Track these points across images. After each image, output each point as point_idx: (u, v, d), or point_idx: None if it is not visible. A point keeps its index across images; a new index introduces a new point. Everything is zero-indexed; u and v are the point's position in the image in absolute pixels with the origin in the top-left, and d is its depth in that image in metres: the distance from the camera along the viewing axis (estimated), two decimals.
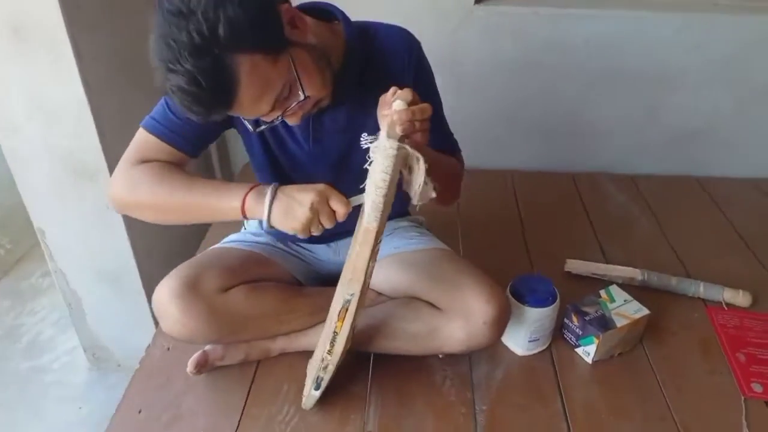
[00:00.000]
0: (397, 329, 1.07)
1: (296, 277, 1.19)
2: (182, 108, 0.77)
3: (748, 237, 1.58)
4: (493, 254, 1.43)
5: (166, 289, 0.99)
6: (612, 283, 1.33)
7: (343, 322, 0.92)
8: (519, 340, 1.16)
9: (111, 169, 1.32)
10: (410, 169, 0.81)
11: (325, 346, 0.96)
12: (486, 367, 1.16)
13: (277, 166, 1.07)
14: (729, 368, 1.17)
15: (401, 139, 0.77)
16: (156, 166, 0.93)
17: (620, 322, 1.15)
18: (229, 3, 0.71)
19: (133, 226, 1.43)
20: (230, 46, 0.72)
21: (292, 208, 0.84)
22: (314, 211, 0.83)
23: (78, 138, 1.28)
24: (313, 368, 1.03)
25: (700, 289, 1.34)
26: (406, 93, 0.77)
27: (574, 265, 1.42)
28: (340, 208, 0.84)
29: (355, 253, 0.87)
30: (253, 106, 0.80)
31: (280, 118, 0.84)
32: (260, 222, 0.94)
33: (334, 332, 0.94)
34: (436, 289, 1.05)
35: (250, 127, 0.92)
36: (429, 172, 0.81)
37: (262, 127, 0.92)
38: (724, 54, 1.64)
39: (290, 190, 0.86)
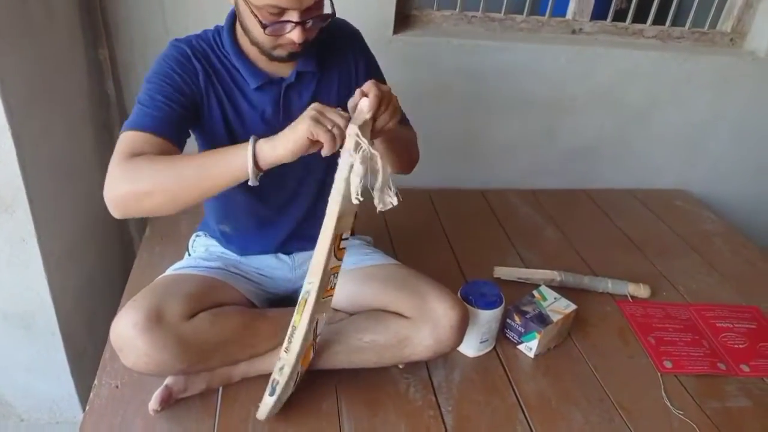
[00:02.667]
0: (366, 342, 1.10)
1: (251, 301, 1.18)
2: None
3: (635, 239, 1.82)
4: (427, 267, 1.49)
5: (129, 322, 0.94)
6: (536, 285, 1.47)
7: (301, 316, 0.93)
8: (471, 342, 1.24)
9: (31, 200, 1.21)
10: (374, 171, 0.89)
11: (284, 345, 0.96)
12: (443, 371, 1.22)
13: None
14: (644, 351, 1.34)
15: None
16: (150, 155, 0.90)
17: (555, 317, 1.28)
18: None
19: (51, 258, 1.31)
20: None
21: (293, 128, 0.86)
22: (314, 118, 0.84)
23: None
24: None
25: (609, 285, 1.53)
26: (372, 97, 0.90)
27: (502, 272, 1.55)
28: (337, 118, 0.86)
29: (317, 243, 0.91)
30: None
31: (293, 26, 0.91)
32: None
33: (293, 326, 0.95)
34: (403, 299, 1.10)
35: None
36: (388, 180, 0.91)
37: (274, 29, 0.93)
38: (605, 82, 1.89)
39: None
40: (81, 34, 1.50)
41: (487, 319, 1.22)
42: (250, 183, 0.87)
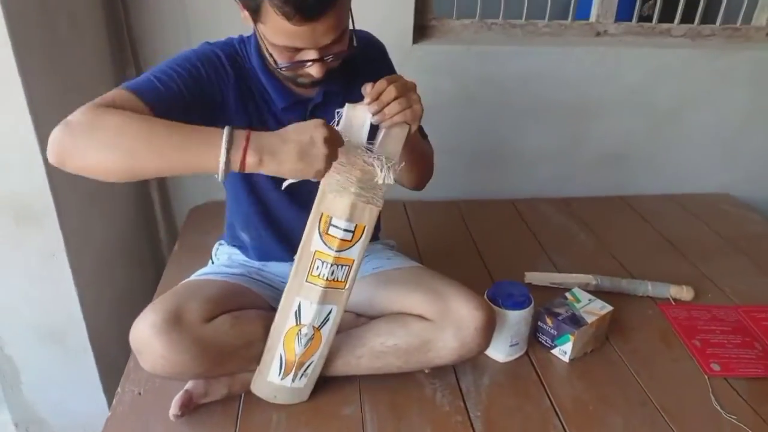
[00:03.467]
0: (389, 346, 1.06)
1: (273, 306, 1.16)
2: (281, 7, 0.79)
3: (676, 242, 1.73)
4: (456, 275, 1.46)
5: (148, 324, 0.93)
6: (569, 289, 1.41)
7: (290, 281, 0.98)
8: (500, 346, 1.19)
9: (60, 213, 1.24)
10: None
11: None
12: (472, 376, 1.17)
13: None
14: (689, 354, 1.26)
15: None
16: (128, 111, 0.80)
17: (590, 319, 1.21)
18: None
19: (81, 274, 1.33)
20: None
21: (307, 157, 0.79)
22: (328, 158, 0.81)
23: (22, 175, 1.18)
24: None
25: (649, 288, 1.45)
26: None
27: (534, 277, 1.49)
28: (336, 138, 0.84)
29: None
30: (332, 28, 0.84)
31: (311, 63, 0.87)
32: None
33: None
34: (425, 301, 1.06)
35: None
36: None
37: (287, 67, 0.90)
38: (633, 83, 1.84)
39: (283, 133, 0.81)
40: (108, 54, 1.54)
41: (515, 320, 1.17)
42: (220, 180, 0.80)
